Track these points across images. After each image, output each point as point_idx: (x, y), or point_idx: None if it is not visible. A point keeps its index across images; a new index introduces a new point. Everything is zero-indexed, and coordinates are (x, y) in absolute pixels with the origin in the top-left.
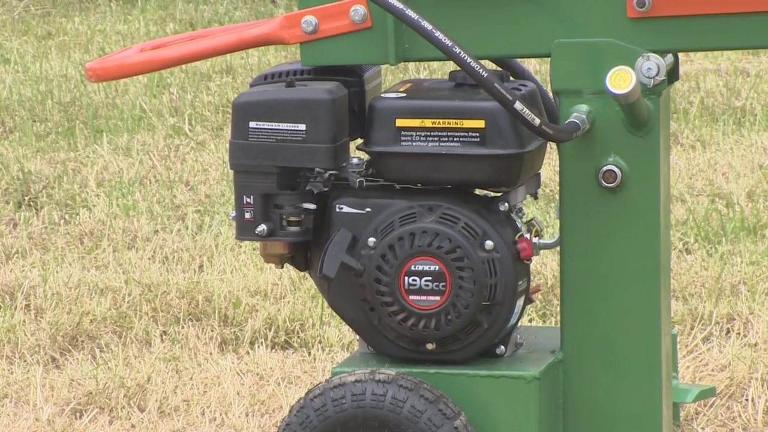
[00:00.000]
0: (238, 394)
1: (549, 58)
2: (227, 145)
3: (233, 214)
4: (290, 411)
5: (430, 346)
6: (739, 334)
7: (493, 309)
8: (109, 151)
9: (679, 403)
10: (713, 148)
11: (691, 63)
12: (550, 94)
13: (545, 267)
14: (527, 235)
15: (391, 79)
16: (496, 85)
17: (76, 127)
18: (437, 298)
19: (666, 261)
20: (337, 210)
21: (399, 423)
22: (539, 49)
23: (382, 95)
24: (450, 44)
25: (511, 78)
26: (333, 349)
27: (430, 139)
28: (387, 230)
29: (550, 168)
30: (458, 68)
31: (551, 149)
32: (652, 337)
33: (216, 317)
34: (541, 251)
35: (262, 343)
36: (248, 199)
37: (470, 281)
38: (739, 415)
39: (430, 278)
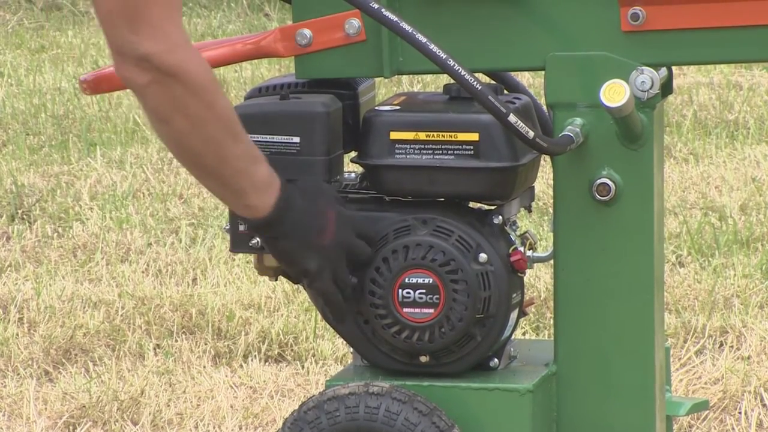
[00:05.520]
0: (231, 407)
1: (543, 72)
2: None
3: (227, 226)
4: (284, 424)
5: (423, 359)
6: (732, 347)
7: (487, 322)
8: (102, 165)
9: (672, 416)
10: (706, 161)
11: (684, 76)
12: (544, 108)
13: (539, 280)
14: (521, 248)
15: (384, 92)
16: (490, 98)
17: (70, 141)
18: (431, 310)
19: (659, 274)
20: None
21: None
22: (533, 62)
23: (377, 108)
24: (444, 57)
25: (505, 91)
26: (326, 362)
27: (424, 151)
28: (381, 243)
29: (543, 181)
30: (452, 81)
31: (545, 162)
32: (646, 350)
33: (209, 330)
34: (535, 264)
35: (255, 356)
36: None
37: (464, 294)
38: (732, 429)
39: (424, 291)
